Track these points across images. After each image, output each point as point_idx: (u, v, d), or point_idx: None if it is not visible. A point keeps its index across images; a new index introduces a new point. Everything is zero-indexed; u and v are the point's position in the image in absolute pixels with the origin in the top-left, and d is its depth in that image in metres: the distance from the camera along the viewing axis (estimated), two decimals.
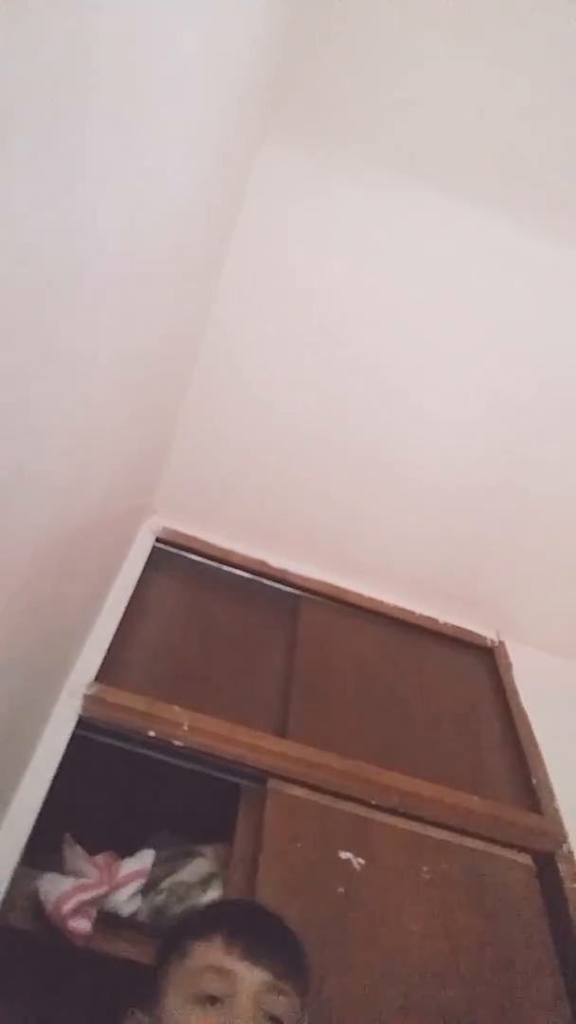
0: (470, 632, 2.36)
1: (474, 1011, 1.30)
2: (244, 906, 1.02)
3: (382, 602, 2.34)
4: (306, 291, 2.03)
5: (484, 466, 2.23)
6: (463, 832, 1.62)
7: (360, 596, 2.33)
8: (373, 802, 1.60)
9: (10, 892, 1.20)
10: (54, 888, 1.25)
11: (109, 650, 1.71)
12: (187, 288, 1.53)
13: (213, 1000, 0.70)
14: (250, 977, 0.71)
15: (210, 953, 0.73)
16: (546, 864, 1.62)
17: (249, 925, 0.80)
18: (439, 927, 1.42)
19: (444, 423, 2.18)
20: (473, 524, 2.33)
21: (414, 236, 1.97)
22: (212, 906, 1.02)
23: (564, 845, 1.67)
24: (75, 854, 1.37)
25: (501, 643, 2.34)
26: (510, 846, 1.63)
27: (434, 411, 2.16)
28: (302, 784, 1.58)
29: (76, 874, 1.31)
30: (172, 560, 2.21)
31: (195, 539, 2.27)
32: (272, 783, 1.56)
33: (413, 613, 2.34)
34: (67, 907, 1.21)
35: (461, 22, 1.74)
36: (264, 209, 1.94)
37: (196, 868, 1.52)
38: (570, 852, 1.65)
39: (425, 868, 1.51)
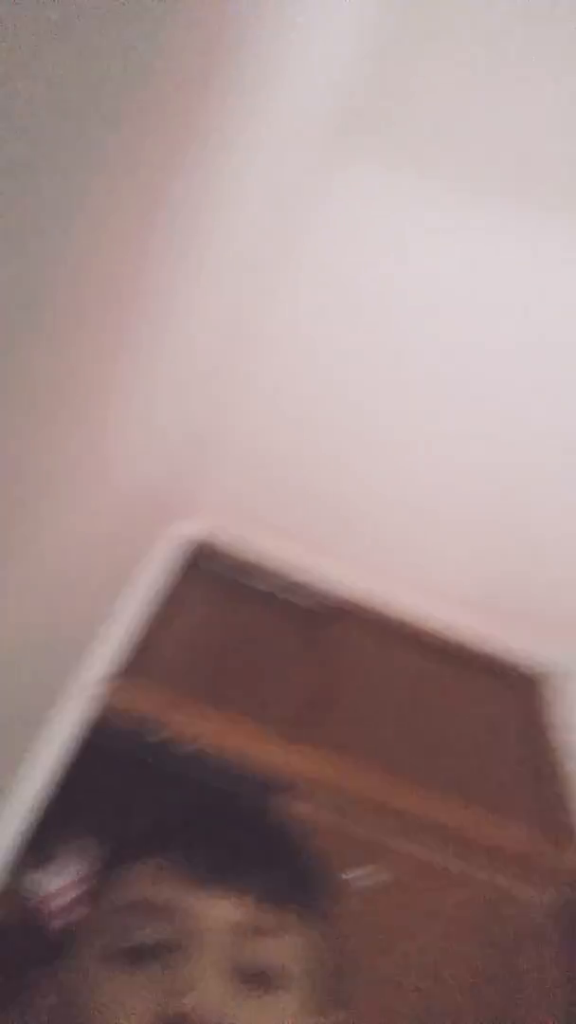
0: (514, 658, 2.25)
1: None
2: (208, 803, 0.71)
3: (424, 620, 2.26)
4: (376, 291, 1.98)
5: (546, 484, 2.14)
6: (484, 865, 1.53)
7: (402, 612, 2.26)
8: (388, 824, 1.53)
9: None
10: (43, 884, 1.24)
11: (129, 650, 1.70)
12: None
13: (152, 953, 0.44)
14: (210, 913, 0.45)
15: (142, 882, 0.47)
16: (571, 902, 1.51)
17: (211, 829, 0.52)
18: (449, 960, 1.34)
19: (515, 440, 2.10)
20: (524, 546, 2.24)
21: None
22: (155, 805, 0.67)
23: None
24: (68, 850, 1.36)
25: (543, 674, 2.23)
26: (533, 882, 1.53)
27: (506, 416, 2.08)
28: (319, 800, 1.53)
29: (66, 873, 1.30)
30: (204, 564, 2.20)
31: (230, 544, 2.25)
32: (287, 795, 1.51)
33: (456, 634, 2.25)
34: (54, 905, 1.20)
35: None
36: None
37: None
38: None
39: (438, 896, 1.43)
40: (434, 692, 2.07)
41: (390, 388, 2.10)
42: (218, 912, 0.45)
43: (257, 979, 0.44)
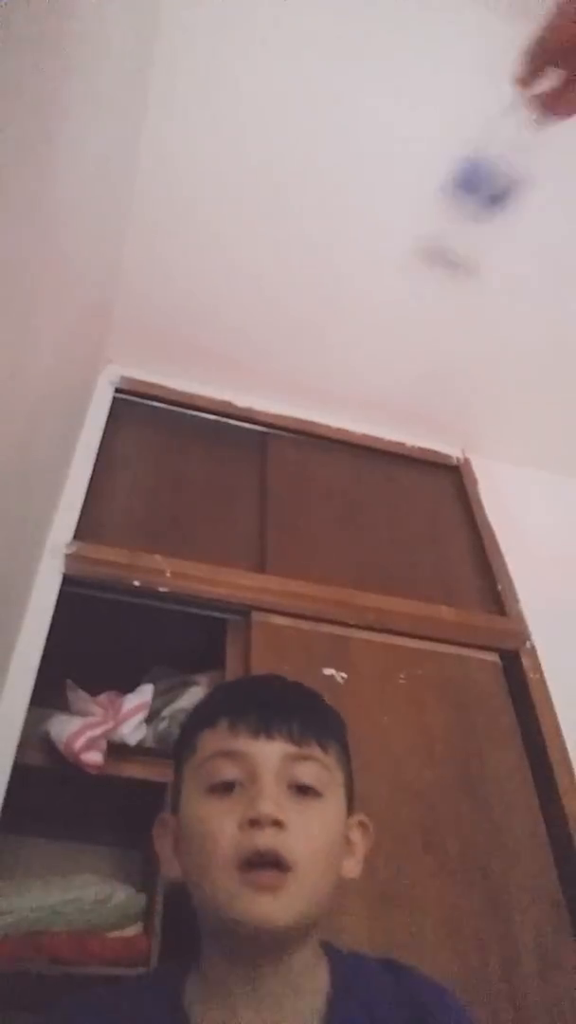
0: (436, 452, 2.42)
1: (448, 787, 1.49)
2: (253, 681, 0.97)
3: (350, 431, 2.36)
4: (248, 101, 1.85)
5: (445, 284, 2.16)
6: (435, 639, 1.76)
7: (328, 427, 2.35)
8: (351, 622, 1.72)
9: (23, 736, 1.31)
10: (64, 728, 1.37)
11: (84, 507, 1.74)
12: (109, 111, 1.40)
13: (230, 787, 0.63)
14: (264, 752, 0.64)
15: (217, 738, 0.66)
16: (512, 661, 1.78)
17: (258, 695, 0.72)
18: (415, 722, 1.59)
19: (409, 239, 2.07)
20: (436, 344, 2.30)
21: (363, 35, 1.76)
22: (218, 690, 0.92)
23: (527, 642, 1.82)
24: (79, 697, 1.49)
25: (467, 460, 2.41)
26: (479, 647, 1.79)
27: (399, 227, 2.05)
28: (283, 613, 1.68)
29: (82, 714, 1.42)
30: (135, 409, 2.19)
31: (156, 385, 2.23)
32: (256, 615, 1.66)
33: (381, 439, 2.38)
34: (78, 743, 1.34)
35: None
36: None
37: (193, 695, 1.65)
38: (532, 648, 1.81)
39: (401, 675, 1.66)
40: (369, 495, 2.21)
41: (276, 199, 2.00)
42: (271, 750, 0.66)
43: (301, 791, 0.65)
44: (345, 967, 0.67)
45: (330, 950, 0.69)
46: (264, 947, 0.61)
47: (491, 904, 1.35)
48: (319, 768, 0.66)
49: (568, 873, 1.44)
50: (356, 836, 0.71)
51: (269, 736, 0.65)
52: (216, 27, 1.71)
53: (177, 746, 0.73)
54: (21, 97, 0.80)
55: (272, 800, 0.62)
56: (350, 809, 0.70)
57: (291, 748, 0.66)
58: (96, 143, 1.33)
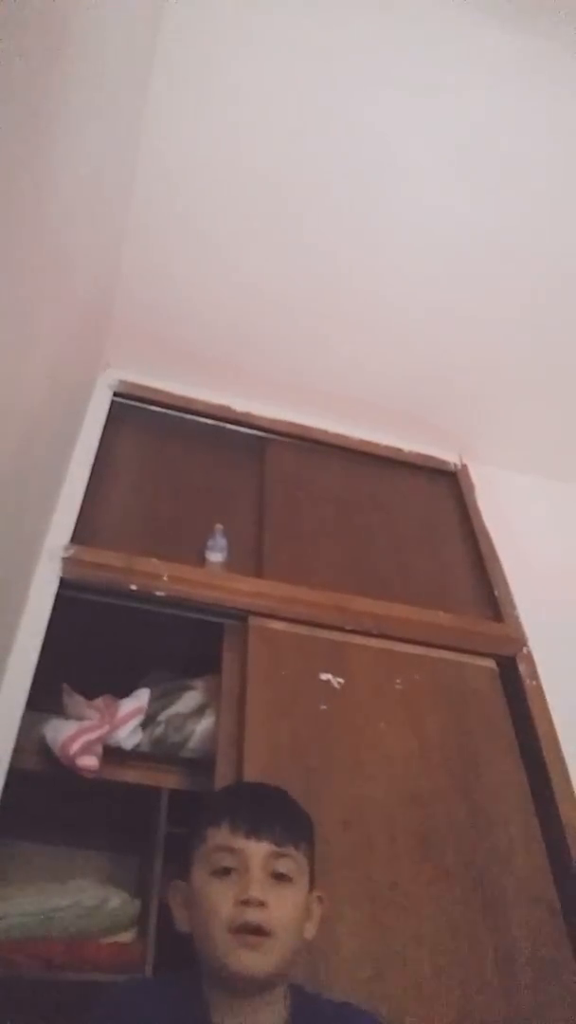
0: (434, 458, 2.42)
1: (444, 794, 1.49)
2: (248, 790, 1.18)
3: (348, 436, 2.37)
4: (248, 106, 1.85)
5: (444, 290, 2.17)
6: (432, 645, 1.76)
7: (326, 432, 2.35)
8: (347, 627, 1.72)
9: (19, 739, 1.30)
10: (59, 732, 1.37)
11: (81, 511, 1.74)
12: (107, 114, 1.40)
13: (228, 871, 0.87)
14: (254, 849, 0.87)
15: (220, 836, 0.89)
16: (508, 667, 1.78)
17: (251, 806, 0.94)
18: (412, 728, 1.58)
19: (403, 248, 2.08)
20: (434, 350, 2.31)
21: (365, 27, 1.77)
22: (219, 795, 1.16)
23: (524, 648, 1.82)
24: (75, 701, 1.49)
25: (464, 466, 2.41)
26: (475, 653, 1.78)
27: (394, 236, 2.06)
28: (281, 618, 1.68)
29: (78, 718, 1.42)
30: (133, 413, 2.19)
31: (154, 389, 2.24)
32: (253, 620, 1.66)
33: (378, 444, 2.38)
34: (74, 747, 1.33)
35: None
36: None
37: (189, 700, 1.65)
38: (529, 654, 1.81)
39: (398, 680, 1.66)
40: (366, 500, 2.22)
41: (274, 202, 2.00)
42: (259, 849, 0.88)
43: (279, 877, 0.88)
44: (303, 1005, 0.89)
45: (295, 990, 0.90)
46: (247, 989, 0.84)
47: (487, 910, 1.35)
48: (292, 862, 0.89)
49: (564, 880, 1.43)
50: (315, 907, 0.93)
51: (259, 838, 0.88)
52: (216, 31, 1.72)
53: (189, 835, 0.95)
54: (19, 101, 0.80)
55: (258, 886, 0.85)
56: (312, 886, 0.93)
57: (274, 848, 0.88)
58: (95, 147, 1.33)
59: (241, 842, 0.88)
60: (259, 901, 0.84)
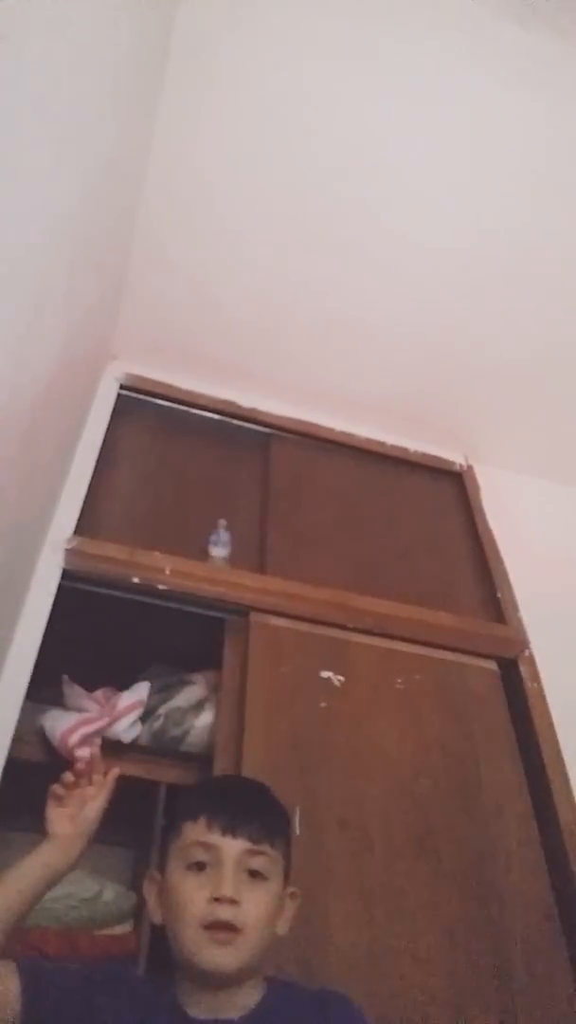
0: (439, 459, 2.41)
1: (443, 794, 1.48)
2: (226, 784, 1.15)
3: (353, 435, 2.36)
4: (259, 103, 1.84)
5: (454, 291, 2.16)
6: (434, 645, 1.75)
7: (331, 430, 2.34)
8: (349, 625, 1.71)
9: (18, 730, 1.30)
10: (58, 723, 1.37)
11: (85, 502, 1.74)
12: (121, 110, 1.40)
13: (203, 867, 0.87)
14: (230, 846, 0.87)
15: (196, 831, 0.89)
16: (510, 669, 1.77)
17: (229, 802, 0.94)
18: (411, 728, 1.58)
19: (414, 247, 2.07)
20: (442, 351, 2.30)
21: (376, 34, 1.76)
22: (198, 788, 1.15)
23: (526, 651, 1.81)
24: (75, 692, 1.48)
25: (470, 467, 2.40)
26: (477, 655, 1.78)
27: (404, 235, 2.05)
28: (282, 615, 1.68)
29: (77, 710, 1.42)
30: (138, 406, 2.19)
31: (160, 383, 2.23)
32: (254, 616, 1.65)
33: (384, 444, 2.37)
34: (73, 739, 1.33)
35: None
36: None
37: (189, 694, 1.65)
38: (531, 656, 1.81)
39: (399, 680, 1.65)
40: (371, 499, 2.21)
41: (283, 202, 2.00)
42: (233, 845, 0.87)
43: (253, 874, 0.87)
44: (276, 991, 0.90)
45: (268, 979, 0.90)
46: (218, 983, 0.85)
47: (483, 913, 1.34)
48: (267, 860, 0.89)
49: (561, 884, 1.43)
50: (288, 903, 0.93)
51: (235, 835, 0.88)
52: (230, 26, 1.71)
53: (165, 828, 0.96)
54: (29, 91, 0.80)
55: (231, 883, 0.85)
56: (287, 882, 0.93)
57: (250, 845, 0.88)
58: (106, 141, 1.33)
59: (217, 838, 0.87)
60: (231, 899, 0.84)
